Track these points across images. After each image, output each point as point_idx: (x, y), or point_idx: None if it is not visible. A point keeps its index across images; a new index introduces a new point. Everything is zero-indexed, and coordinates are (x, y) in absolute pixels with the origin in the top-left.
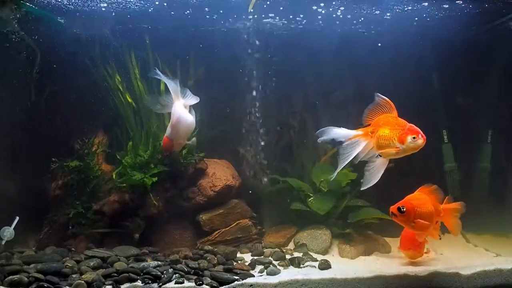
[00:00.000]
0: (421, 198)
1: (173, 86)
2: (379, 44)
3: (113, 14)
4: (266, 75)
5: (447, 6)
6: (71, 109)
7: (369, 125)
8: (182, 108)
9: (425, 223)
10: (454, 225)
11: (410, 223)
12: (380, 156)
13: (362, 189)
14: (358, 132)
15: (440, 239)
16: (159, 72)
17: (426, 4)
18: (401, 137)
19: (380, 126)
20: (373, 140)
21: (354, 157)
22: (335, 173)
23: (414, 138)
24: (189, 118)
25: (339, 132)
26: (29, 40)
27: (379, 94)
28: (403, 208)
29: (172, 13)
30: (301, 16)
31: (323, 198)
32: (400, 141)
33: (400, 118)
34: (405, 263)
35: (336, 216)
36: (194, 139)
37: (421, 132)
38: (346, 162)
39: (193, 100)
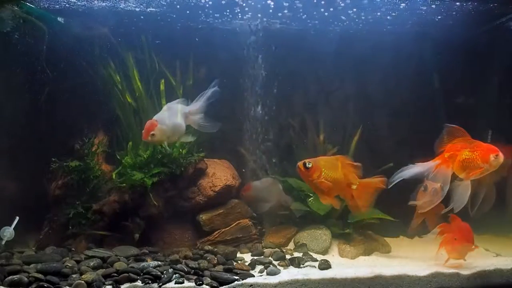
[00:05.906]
0: (333, 163)
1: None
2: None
3: (113, 14)
4: (268, 74)
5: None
6: (71, 109)
7: (441, 152)
8: (180, 109)
9: (328, 185)
10: (363, 200)
11: (313, 182)
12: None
13: (456, 211)
14: (437, 162)
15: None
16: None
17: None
18: (484, 157)
19: (458, 150)
20: (452, 164)
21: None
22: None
23: (496, 156)
24: (173, 120)
25: (418, 169)
26: (28, 40)
27: (448, 124)
28: (308, 164)
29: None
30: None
31: None
32: (484, 160)
33: (474, 140)
34: (404, 263)
35: (336, 216)
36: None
37: (499, 150)
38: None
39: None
